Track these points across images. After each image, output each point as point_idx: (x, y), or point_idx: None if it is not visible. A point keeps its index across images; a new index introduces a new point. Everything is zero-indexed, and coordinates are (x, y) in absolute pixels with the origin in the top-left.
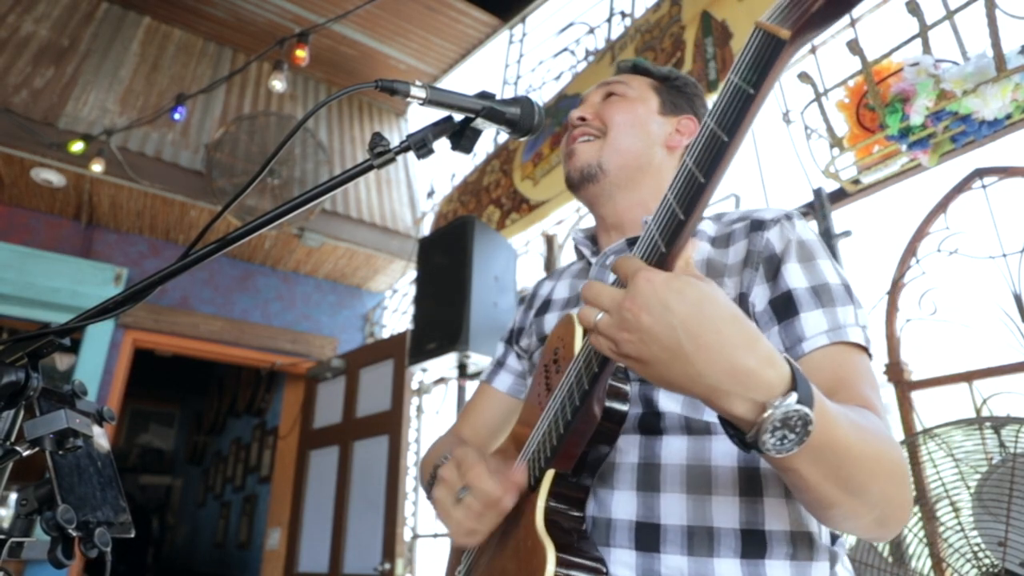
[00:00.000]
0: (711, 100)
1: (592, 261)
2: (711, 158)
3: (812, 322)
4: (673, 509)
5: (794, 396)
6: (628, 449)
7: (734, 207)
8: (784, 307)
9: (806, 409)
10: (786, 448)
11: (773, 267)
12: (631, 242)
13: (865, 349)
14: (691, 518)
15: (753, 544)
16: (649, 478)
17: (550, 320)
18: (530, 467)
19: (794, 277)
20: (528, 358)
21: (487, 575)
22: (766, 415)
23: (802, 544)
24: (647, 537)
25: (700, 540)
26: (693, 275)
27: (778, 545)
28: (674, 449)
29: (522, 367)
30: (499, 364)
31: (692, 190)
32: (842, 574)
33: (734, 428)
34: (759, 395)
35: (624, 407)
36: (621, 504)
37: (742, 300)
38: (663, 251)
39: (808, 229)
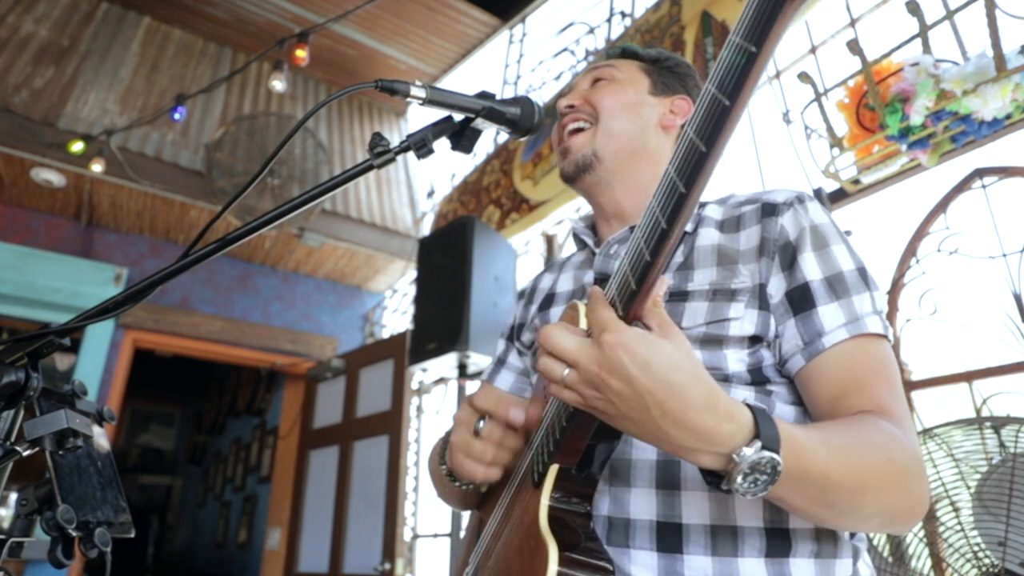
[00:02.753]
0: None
1: (596, 251)
2: (712, 126)
3: (829, 316)
4: (695, 508)
5: (758, 443)
6: (645, 445)
7: None
8: (800, 300)
9: (771, 454)
10: (759, 489)
11: (788, 256)
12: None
13: (884, 336)
14: (714, 517)
15: (778, 543)
16: (669, 476)
17: (555, 314)
18: (534, 462)
19: (810, 268)
20: (532, 354)
21: None
22: (734, 464)
23: (826, 541)
24: (669, 537)
25: (724, 540)
26: (659, 322)
27: (803, 543)
28: None
29: (524, 364)
30: (500, 362)
31: (694, 160)
32: (864, 571)
33: (711, 474)
34: (723, 448)
35: None
36: (640, 503)
37: (761, 291)
38: (664, 227)
39: (820, 211)
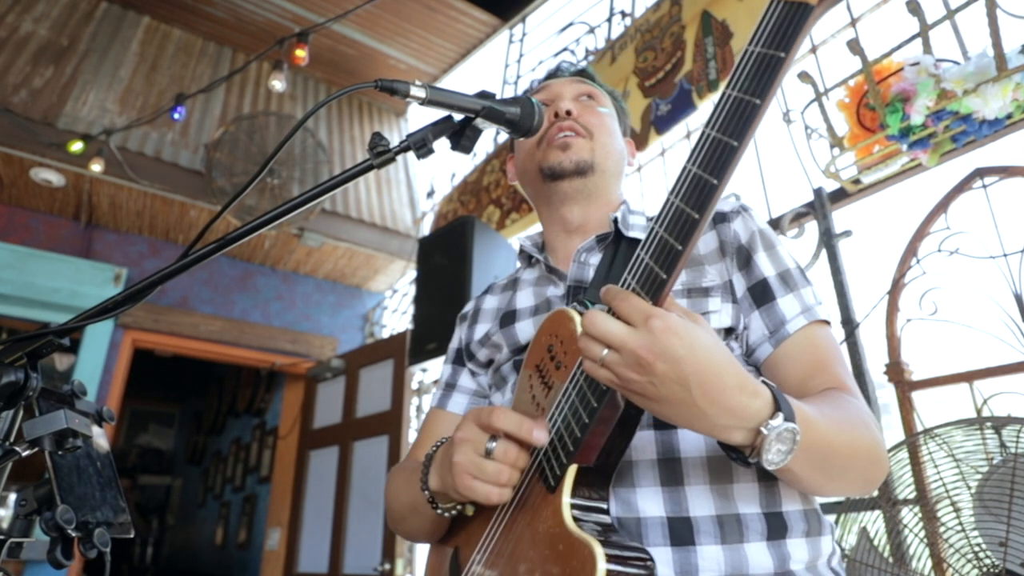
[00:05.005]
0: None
1: (551, 266)
2: (740, 123)
3: (788, 306)
4: (700, 501)
5: (780, 416)
6: (644, 446)
7: None
8: (762, 294)
9: (793, 424)
10: (782, 459)
11: (743, 257)
12: (600, 239)
13: (829, 323)
14: (719, 508)
15: (776, 525)
16: (671, 473)
17: (523, 328)
18: (546, 468)
19: (764, 265)
20: (494, 371)
21: None
22: (762, 438)
23: (813, 520)
24: (681, 531)
25: (730, 528)
26: (683, 310)
27: (796, 523)
28: (691, 441)
29: (478, 384)
30: (450, 386)
31: (724, 154)
32: (836, 548)
33: (735, 451)
34: (752, 423)
35: None
36: (647, 501)
37: (730, 286)
38: (695, 218)
39: (760, 219)
